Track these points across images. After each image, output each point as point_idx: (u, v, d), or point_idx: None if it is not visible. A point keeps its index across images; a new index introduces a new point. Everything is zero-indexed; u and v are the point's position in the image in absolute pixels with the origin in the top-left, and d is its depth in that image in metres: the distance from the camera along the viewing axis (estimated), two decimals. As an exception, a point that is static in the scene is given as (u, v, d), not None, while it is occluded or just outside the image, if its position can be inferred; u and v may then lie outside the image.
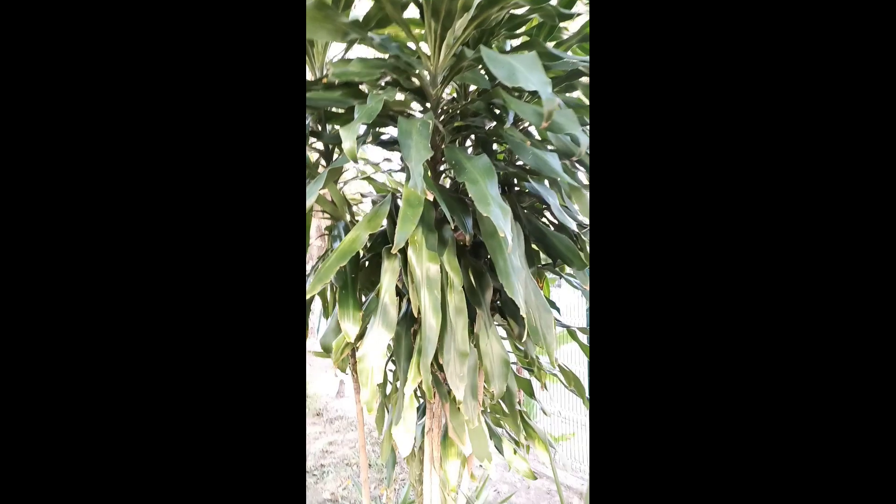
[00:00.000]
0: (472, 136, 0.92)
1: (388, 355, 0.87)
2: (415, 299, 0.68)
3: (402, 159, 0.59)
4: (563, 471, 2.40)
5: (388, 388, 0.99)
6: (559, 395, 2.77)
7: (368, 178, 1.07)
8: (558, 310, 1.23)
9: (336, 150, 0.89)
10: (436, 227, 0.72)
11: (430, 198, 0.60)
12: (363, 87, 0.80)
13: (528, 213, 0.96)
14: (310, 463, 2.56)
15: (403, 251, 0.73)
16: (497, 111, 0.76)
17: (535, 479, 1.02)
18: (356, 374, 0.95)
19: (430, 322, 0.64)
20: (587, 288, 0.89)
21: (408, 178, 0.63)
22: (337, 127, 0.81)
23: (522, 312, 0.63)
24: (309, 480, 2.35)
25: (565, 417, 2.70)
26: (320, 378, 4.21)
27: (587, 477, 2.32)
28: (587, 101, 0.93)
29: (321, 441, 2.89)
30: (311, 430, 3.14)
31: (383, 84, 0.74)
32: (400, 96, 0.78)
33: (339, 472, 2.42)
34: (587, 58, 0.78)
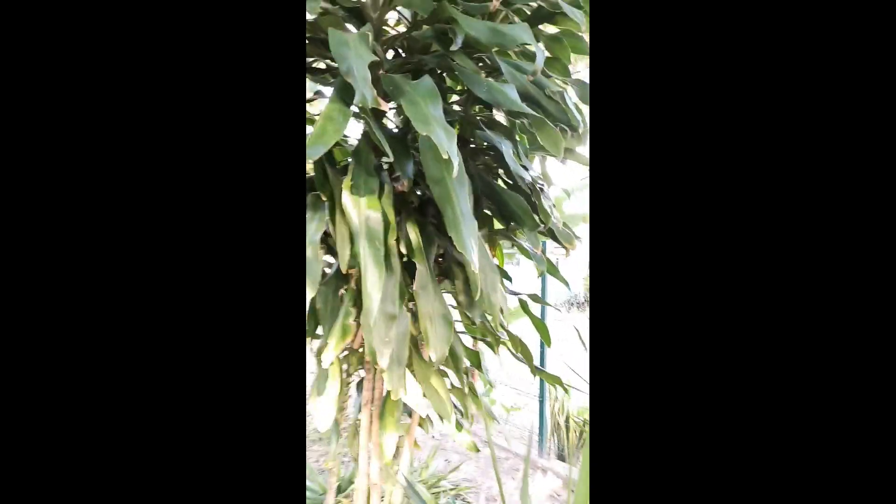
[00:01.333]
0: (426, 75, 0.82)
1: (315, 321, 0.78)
2: (343, 253, 0.59)
3: (341, 74, 0.48)
4: (516, 440, 2.45)
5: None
6: (509, 365, 2.79)
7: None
8: (510, 279, 1.18)
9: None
10: (375, 173, 0.63)
11: (385, 108, 0.50)
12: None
13: (481, 169, 0.88)
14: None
15: (333, 199, 0.63)
16: (447, 39, 0.66)
17: (478, 451, 0.99)
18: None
19: (372, 277, 0.55)
20: (538, 251, 0.83)
21: (339, 92, 0.52)
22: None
23: (475, 268, 0.56)
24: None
25: (515, 388, 2.74)
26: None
27: (535, 444, 2.37)
28: (556, 54, 0.85)
29: (268, 414, 2.80)
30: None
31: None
32: (335, 17, 0.66)
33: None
34: None
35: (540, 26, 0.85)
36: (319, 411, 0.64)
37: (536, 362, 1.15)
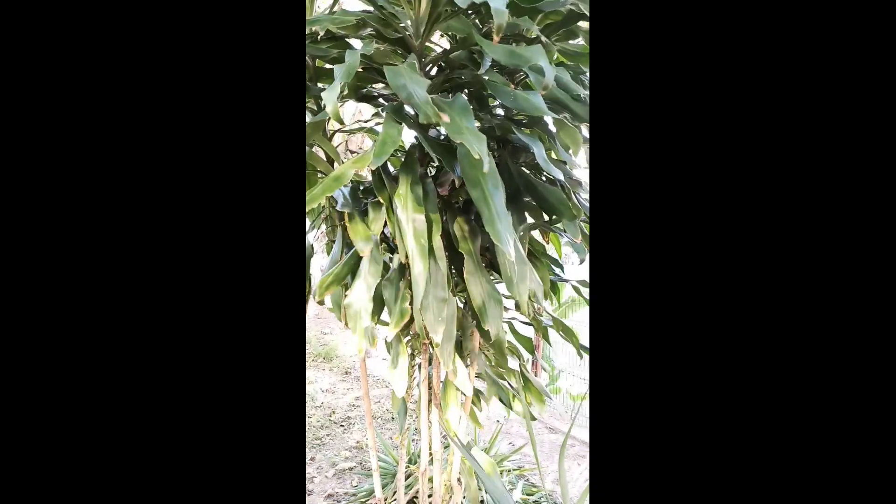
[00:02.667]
0: (466, 91, 0.91)
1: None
2: (402, 248, 0.71)
3: (401, 99, 0.59)
4: (578, 427, 2.46)
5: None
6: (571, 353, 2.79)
7: (369, 131, 1.08)
8: (562, 268, 1.23)
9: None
10: (420, 181, 0.74)
11: (446, 119, 0.60)
12: (353, 41, 0.80)
13: (521, 166, 0.95)
14: (338, 415, 2.75)
15: (390, 203, 0.75)
16: (477, 59, 0.75)
17: (534, 419, 1.07)
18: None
19: (418, 267, 0.67)
20: (577, 241, 0.88)
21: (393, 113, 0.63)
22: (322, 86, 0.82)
23: (510, 256, 0.64)
24: (337, 431, 2.53)
25: (579, 376, 2.74)
26: (351, 340, 4.46)
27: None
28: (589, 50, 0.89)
29: (349, 396, 3.09)
30: (340, 386, 3.35)
31: (364, 35, 0.74)
32: (385, 50, 0.77)
33: (364, 423, 2.59)
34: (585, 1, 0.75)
35: (580, 23, 0.90)
36: (395, 380, 0.77)
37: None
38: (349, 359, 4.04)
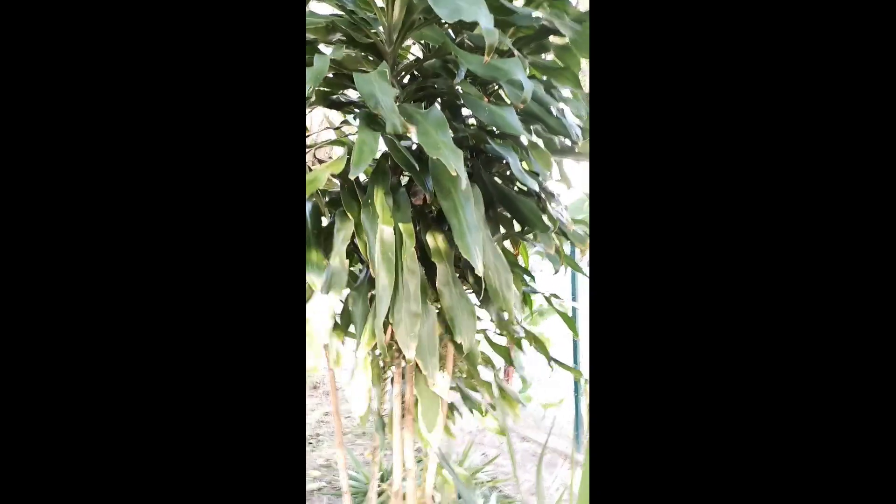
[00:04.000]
0: (439, 100, 0.90)
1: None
2: (370, 261, 0.69)
3: (370, 108, 0.57)
4: (554, 436, 2.48)
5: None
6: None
7: (338, 142, 1.06)
8: (533, 278, 1.24)
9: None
10: (391, 191, 0.72)
11: (412, 131, 0.58)
12: (322, 47, 0.77)
13: (495, 177, 0.95)
14: (307, 432, 2.65)
15: (357, 214, 0.73)
16: (452, 68, 0.74)
17: (505, 434, 1.05)
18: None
19: (384, 282, 0.64)
20: (551, 252, 0.89)
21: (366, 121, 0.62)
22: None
23: (478, 271, 0.63)
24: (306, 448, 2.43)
25: (550, 385, 2.76)
26: (319, 354, 4.35)
27: (571, 439, 2.39)
28: (560, 64, 0.91)
29: (317, 412, 2.98)
30: (308, 402, 3.23)
31: (334, 40, 0.72)
32: (356, 56, 0.75)
33: (333, 440, 2.50)
34: (560, 15, 0.76)
35: (550, 38, 0.91)
36: (354, 397, 0.74)
37: (569, 359, 1.19)
38: (317, 374, 3.93)
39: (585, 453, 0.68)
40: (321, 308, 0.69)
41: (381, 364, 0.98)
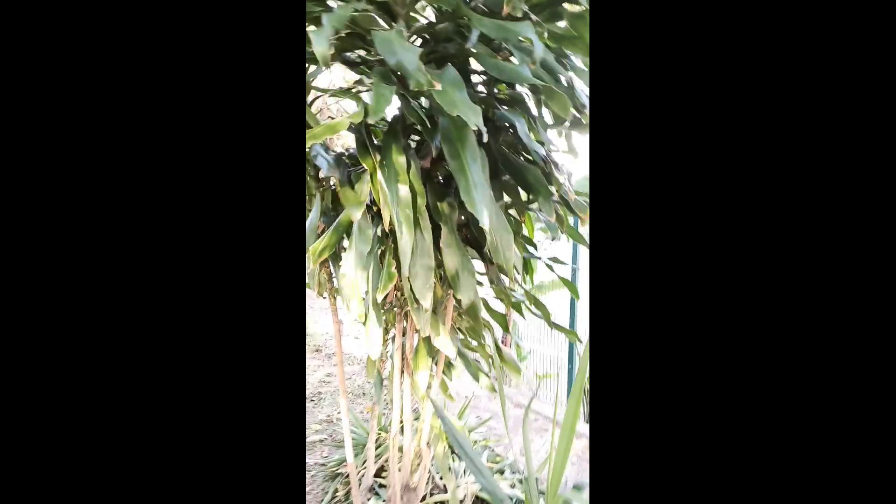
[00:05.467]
0: (449, 65, 0.91)
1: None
2: (386, 217, 0.73)
3: (390, 66, 0.59)
4: (542, 402, 2.58)
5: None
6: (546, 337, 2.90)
7: (353, 95, 1.07)
8: (535, 247, 1.28)
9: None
10: (403, 152, 0.75)
11: (438, 86, 0.60)
12: (331, 3, 0.78)
13: (502, 146, 0.98)
14: (308, 391, 2.76)
15: (373, 174, 0.76)
16: (465, 32, 0.76)
17: (495, 391, 1.12)
18: (333, 298, 1.01)
19: (406, 237, 0.68)
20: (552, 220, 0.92)
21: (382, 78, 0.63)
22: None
23: (485, 225, 0.67)
24: (308, 405, 2.55)
25: (546, 358, 2.85)
26: (321, 319, 4.46)
27: (563, 407, 2.49)
28: (574, 33, 0.92)
29: (319, 373, 3.10)
30: (310, 363, 3.35)
31: None
32: (369, 15, 0.77)
33: (334, 398, 2.61)
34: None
35: (565, 5, 0.92)
36: (370, 340, 0.80)
37: (567, 326, 1.24)
38: (319, 336, 4.04)
39: (567, 416, 0.74)
40: (354, 261, 0.74)
41: (385, 323, 1.03)
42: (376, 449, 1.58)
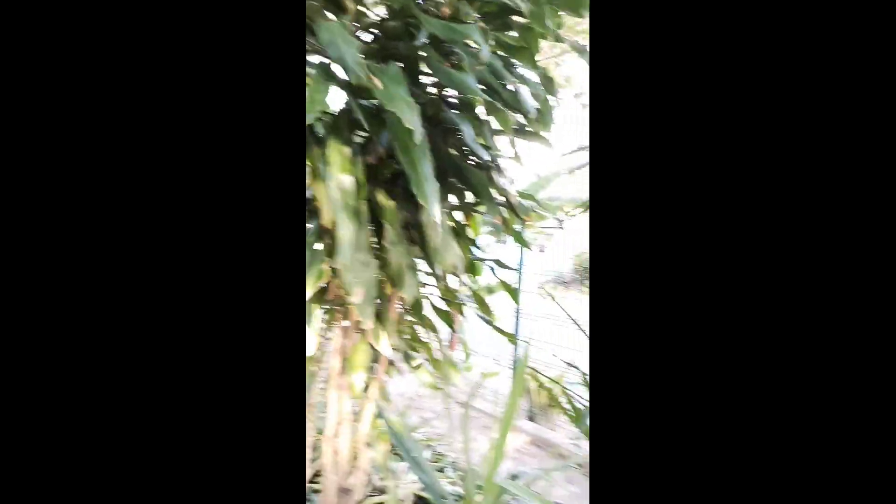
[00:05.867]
0: (392, 61, 0.91)
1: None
2: (324, 211, 0.71)
3: (331, 58, 0.58)
4: (485, 401, 2.65)
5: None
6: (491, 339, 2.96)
7: None
8: (480, 248, 1.30)
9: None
10: (347, 145, 0.73)
11: (377, 83, 0.59)
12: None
13: (450, 149, 0.99)
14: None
15: (315, 166, 0.74)
16: (413, 31, 0.76)
17: (438, 389, 1.13)
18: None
19: (345, 228, 0.67)
20: (497, 222, 0.95)
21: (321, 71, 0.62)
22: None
23: (434, 217, 0.67)
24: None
25: (491, 358, 2.92)
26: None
27: (502, 405, 2.55)
28: (524, 43, 0.94)
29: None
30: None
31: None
32: (316, 6, 0.75)
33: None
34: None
35: (514, 17, 0.94)
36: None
37: (512, 332, 1.27)
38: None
39: (507, 411, 0.77)
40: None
41: (323, 323, 1.00)
42: (312, 452, 1.53)
